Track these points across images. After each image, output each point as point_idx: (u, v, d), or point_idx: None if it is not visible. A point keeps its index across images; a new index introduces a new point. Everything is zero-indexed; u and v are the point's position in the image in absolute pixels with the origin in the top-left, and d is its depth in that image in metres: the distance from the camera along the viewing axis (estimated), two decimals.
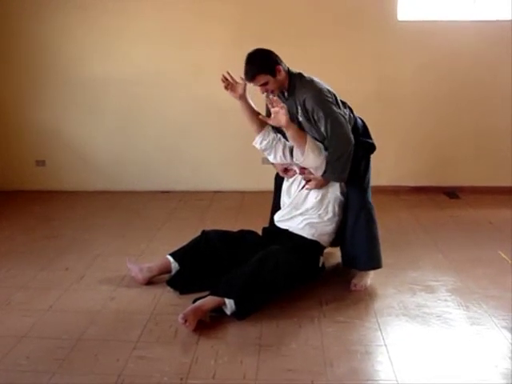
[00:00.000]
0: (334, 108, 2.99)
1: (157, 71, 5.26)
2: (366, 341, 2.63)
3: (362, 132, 3.21)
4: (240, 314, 2.80)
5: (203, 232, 3.38)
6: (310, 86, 3.03)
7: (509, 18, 4.98)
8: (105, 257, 3.75)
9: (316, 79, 3.10)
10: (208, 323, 2.78)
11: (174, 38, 5.20)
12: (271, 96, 2.93)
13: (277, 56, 3.10)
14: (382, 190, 5.04)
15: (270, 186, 3.64)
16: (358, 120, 3.26)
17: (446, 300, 3.05)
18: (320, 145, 3.06)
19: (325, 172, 3.07)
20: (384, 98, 5.20)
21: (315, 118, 2.99)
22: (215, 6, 5.10)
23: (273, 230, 3.40)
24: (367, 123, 3.30)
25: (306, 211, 3.22)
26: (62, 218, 4.70)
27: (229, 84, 3.28)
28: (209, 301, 2.80)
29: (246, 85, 3.22)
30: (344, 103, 3.16)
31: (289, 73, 3.09)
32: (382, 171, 5.04)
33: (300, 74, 3.10)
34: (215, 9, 5.11)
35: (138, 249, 3.89)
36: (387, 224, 4.21)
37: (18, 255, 3.79)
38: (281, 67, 3.04)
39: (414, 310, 2.94)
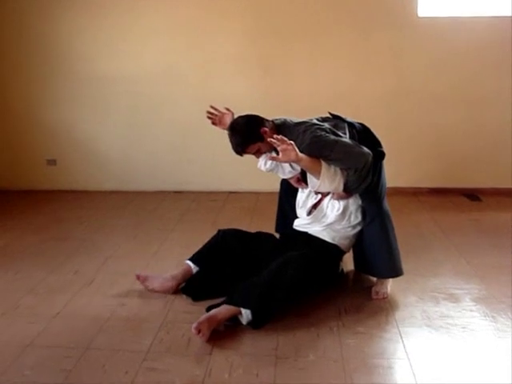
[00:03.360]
0: (332, 137, 2.79)
1: (168, 69, 5.16)
2: (388, 354, 2.50)
3: (363, 140, 2.97)
4: (256, 324, 2.68)
5: (219, 231, 3.27)
6: (298, 132, 2.83)
7: None
8: (115, 259, 3.64)
9: (299, 120, 2.93)
10: (222, 332, 2.65)
11: (185, 35, 5.09)
12: (275, 136, 2.68)
13: (257, 117, 2.94)
14: (401, 192, 4.90)
15: None
16: (358, 126, 3.05)
17: (471, 310, 2.90)
18: (332, 166, 2.84)
19: (346, 188, 2.90)
20: (403, 97, 5.04)
21: (323, 156, 2.79)
22: (227, 2, 4.99)
23: (291, 233, 3.27)
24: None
25: (328, 225, 3.09)
26: (72, 218, 4.60)
27: (216, 117, 3.15)
28: (224, 310, 2.67)
29: (233, 114, 3.11)
30: (336, 123, 2.97)
31: (275, 127, 2.93)
32: (400, 172, 4.90)
33: (284, 122, 2.95)
34: (227, 4, 5.00)
35: (149, 251, 3.79)
36: (406, 227, 4.08)
37: (28, 257, 3.69)
38: (265, 128, 2.88)
39: (438, 321, 2.79)
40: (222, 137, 4.85)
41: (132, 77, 5.17)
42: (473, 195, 5.11)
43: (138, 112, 5.28)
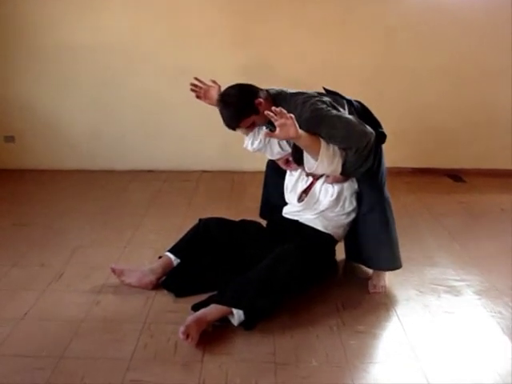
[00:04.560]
0: (334, 112, 2.51)
1: (136, 39, 4.73)
2: (396, 356, 2.29)
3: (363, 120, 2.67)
4: (249, 325, 2.43)
5: (200, 220, 2.99)
6: (296, 103, 2.54)
7: None
8: (85, 249, 3.31)
9: (295, 90, 2.64)
10: (211, 334, 2.39)
11: (155, 1, 4.67)
12: (273, 108, 2.35)
13: (251, 87, 2.63)
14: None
15: (262, 165, 3.25)
16: (356, 104, 2.77)
17: (475, 305, 2.72)
18: (331, 145, 2.55)
19: (343, 170, 2.61)
20: (388, 73, 4.80)
21: (323, 132, 2.50)
22: None
23: (279, 221, 3.01)
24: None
25: (320, 213, 2.83)
26: (33, 201, 4.22)
27: (201, 90, 2.84)
28: (214, 310, 2.40)
29: (220, 87, 2.81)
30: (335, 98, 2.68)
31: (271, 97, 2.62)
32: (384, 151, 4.68)
33: (280, 93, 2.65)
34: None
35: (122, 239, 3.47)
36: (396, 210, 3.85)
37: None
38: (260, 99, 2.57)
39: (442, 317, 2.60)
40: (195, 112, 4.56)
41: (98, 46, 4.72)
42: (456, 176, 4.96)
43: (105, 84, 4.86)
